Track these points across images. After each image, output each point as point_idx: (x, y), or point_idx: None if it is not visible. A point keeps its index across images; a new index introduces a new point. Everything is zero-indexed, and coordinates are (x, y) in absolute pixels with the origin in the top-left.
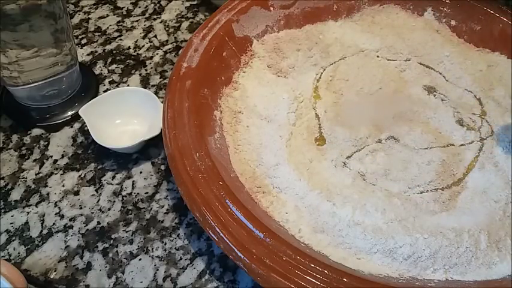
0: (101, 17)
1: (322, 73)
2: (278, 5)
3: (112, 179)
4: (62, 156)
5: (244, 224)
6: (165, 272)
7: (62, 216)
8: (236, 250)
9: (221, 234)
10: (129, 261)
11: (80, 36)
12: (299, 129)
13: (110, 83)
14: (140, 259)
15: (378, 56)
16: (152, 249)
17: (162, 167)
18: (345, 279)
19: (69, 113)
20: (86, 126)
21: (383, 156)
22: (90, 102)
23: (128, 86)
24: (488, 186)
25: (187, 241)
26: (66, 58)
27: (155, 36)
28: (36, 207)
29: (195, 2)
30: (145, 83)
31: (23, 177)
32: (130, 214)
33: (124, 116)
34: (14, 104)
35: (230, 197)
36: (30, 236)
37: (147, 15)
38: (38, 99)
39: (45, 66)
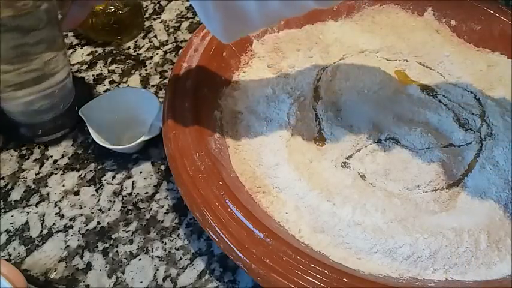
0: None
1: (322, 73)
2: None
3: (112, 179)
4: (62, 156)
5: (244, 224)
6: (165, 272)
7: (62, 216)
8: (236, 250)
9: (221, 234)
10: (129, 261)
11: (80, 36)
12: (299, 129)
13: (110, 83)
14: (140, 259)
15: (377, 56)
16: (152, 249)
17: (162, 167)
18: (345, 279)
19: (62, 130)
20: (86, 126)
21: (383, 156)
22: (90, 102)
23: (128, 86)
24: (488, 186)
25: (187, 241)
26: (57, 70)
27: (155, 36)
28: (36, 207)
29: None
30: (145, 83)
31: (23, 177)
32: (131, 214)
33: (124, 116)
34: (5, 119)
35: (230, 197)
36: (30, 236)
37: (147, 15)
38: (29, 114)
39: (35, 79)
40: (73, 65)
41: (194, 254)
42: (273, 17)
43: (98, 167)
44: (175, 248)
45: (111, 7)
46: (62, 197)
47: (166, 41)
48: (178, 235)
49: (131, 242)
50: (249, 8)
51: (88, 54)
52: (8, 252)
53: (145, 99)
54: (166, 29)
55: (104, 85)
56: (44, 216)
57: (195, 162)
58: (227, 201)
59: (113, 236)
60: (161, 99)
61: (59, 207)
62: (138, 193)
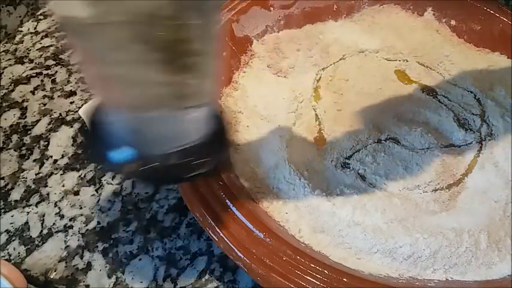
0: None
1: (322, 73)
2: (278, 5)
3: (112, 179)
4: (62, 156)
5: (244, 224)
6: (165, 272)
7: (62, 216)
8: (236, 250)
9: (221, 234)
10: (129, 261)
11: None
12: (299, 129)
13: None
14: (140, 259)
15: (377, 56)
16: (152, 249)
17: None
18: (345, 279)
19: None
20: (86, 126)
21: (383, 157)
22: (90, 102)
23: None
24: (488, 186)
25: (187, 241)
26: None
27: None
28: (36, 207)
29: None
30: None
31: (23, 177)
32: (131, 214)
33: None
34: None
35: (230, 197)
36: (30, 236)
37: None
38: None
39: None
40: (74, 64)
41: (194, 254)
42: None
43: (98, 167)
44: (175, 248)
45: None
46: (62, 197)
47: None
48: (178, 235)
49: (131, 242)
50: None
51: None
52: (8, 252)
53: None
54: None
55: None
56: (44, 216)
57: None
58: (227, 201)
59: (112, 236)
60: None
61: (59, 207)
62: (138, 193)
